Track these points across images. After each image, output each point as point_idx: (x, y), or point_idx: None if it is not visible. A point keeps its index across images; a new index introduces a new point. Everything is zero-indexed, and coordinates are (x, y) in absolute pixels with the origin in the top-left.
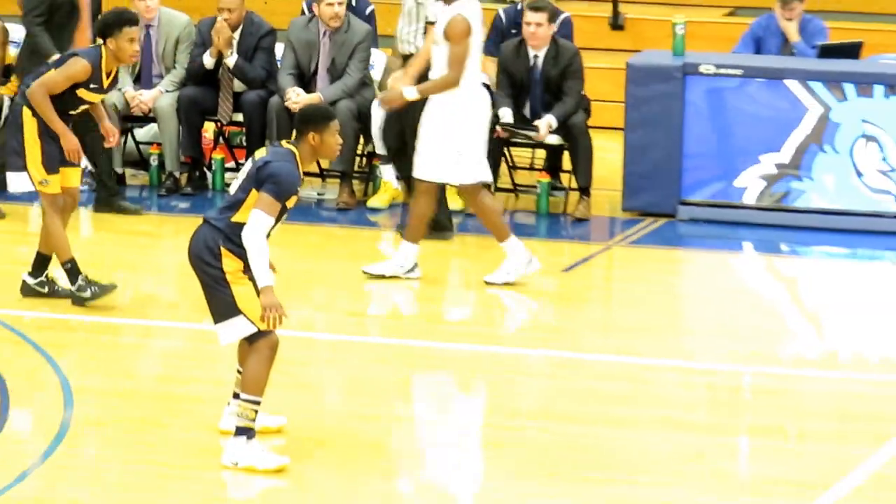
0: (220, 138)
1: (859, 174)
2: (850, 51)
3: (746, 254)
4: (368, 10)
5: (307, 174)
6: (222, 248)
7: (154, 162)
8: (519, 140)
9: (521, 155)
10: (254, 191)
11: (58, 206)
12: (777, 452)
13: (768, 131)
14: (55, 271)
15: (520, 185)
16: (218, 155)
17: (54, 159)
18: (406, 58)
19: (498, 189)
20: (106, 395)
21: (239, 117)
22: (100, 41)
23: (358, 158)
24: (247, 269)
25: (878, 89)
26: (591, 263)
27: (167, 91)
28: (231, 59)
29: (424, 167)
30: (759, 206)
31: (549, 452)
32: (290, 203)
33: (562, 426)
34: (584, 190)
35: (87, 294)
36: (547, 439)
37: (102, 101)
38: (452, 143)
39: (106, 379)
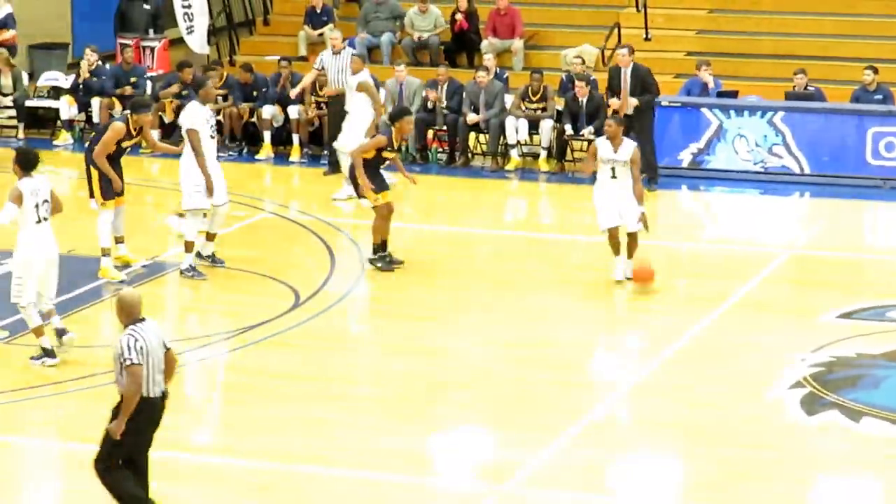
0: (435, 137)
1: (736, 152)
2: (733, 94)
3: (682, 191)
4: (504, 76)
5: None
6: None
7: (404, 147)
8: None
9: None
10: None
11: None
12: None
13: (694, 132)
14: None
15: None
16: (433, 145)
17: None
18: None
19: None
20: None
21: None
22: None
23: None
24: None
25: (746, 112)
26: None
27: None
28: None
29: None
30: (688, 168)
31: None
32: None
33: None
34: None
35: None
36: None
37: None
38: None
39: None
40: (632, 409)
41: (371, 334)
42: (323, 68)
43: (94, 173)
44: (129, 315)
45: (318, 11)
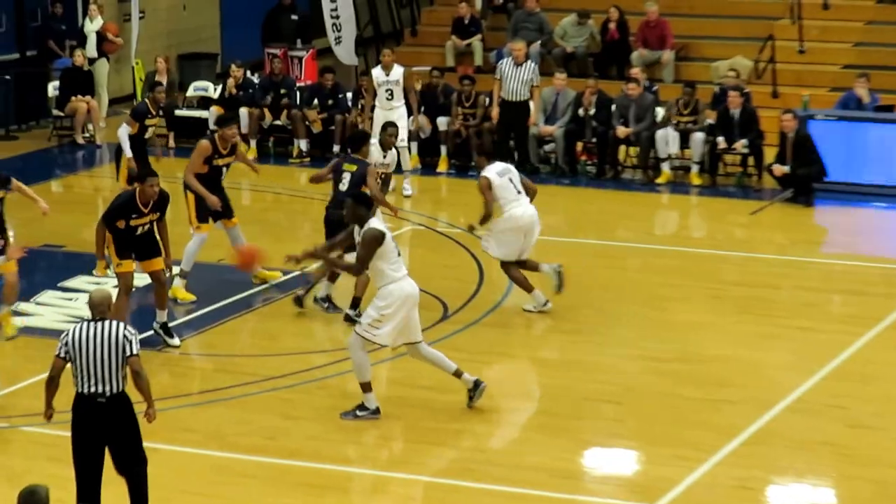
0: (584, 149)
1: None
2: (889, 109)
3: (838, 206)
4: (654, 88)
5: None
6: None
7: (552, 159)
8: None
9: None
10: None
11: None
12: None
13: (850, 147)
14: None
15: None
16: (582, 157)
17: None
18: None
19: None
20: None
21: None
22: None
23: None
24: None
25: None
26: (766, 210)
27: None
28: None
29: None
30: (843, 183)
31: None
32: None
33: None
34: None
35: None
36: None
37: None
38: None
39: None
40: (785, 428)
41: (519, 347)
42: (499, 77)
43: (190, 196)
44: (91, 313)
45: (466, 22)
